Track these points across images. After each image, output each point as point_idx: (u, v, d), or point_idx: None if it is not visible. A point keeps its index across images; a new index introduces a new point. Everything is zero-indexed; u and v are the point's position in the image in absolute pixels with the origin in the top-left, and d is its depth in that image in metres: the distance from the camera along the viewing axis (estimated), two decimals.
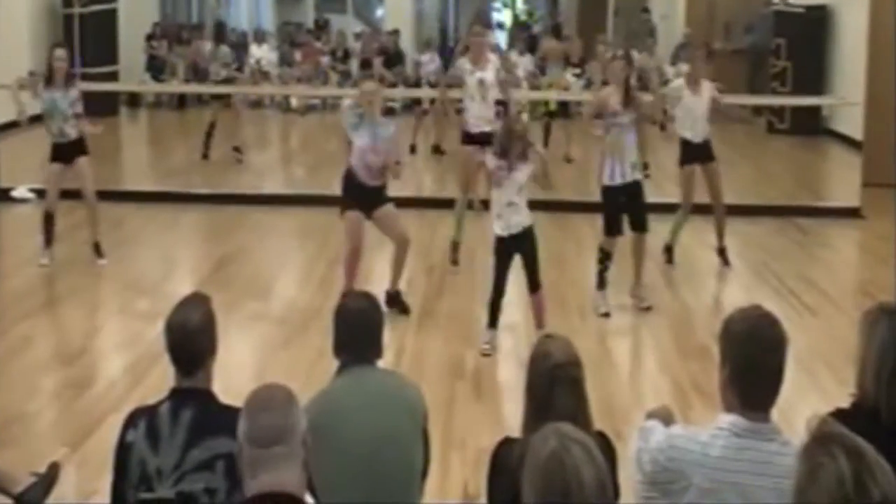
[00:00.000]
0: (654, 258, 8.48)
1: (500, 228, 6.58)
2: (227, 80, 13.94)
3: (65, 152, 8.36)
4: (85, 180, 8.47)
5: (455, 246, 8.59)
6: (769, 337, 2.80)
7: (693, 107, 8.37)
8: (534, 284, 6.66)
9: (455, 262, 8.55)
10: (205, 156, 13.09)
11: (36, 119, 8.63)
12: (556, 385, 3.03)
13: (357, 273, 7.27)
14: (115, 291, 7.97)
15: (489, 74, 8.27)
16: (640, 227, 7.50)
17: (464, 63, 8.43)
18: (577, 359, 3.12)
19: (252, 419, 2.57)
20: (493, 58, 8.55)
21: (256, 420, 2.56)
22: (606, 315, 7.34)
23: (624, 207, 7.42)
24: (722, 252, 8.63)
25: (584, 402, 3.10)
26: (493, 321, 6.72)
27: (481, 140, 8.01)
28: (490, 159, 6.61)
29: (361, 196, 7.13)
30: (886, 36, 11.41)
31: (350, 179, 7.19)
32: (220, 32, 15.46)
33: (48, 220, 8.46)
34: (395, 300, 7.32)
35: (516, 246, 6.60)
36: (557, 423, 2.46)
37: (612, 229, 7.45)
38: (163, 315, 3.29)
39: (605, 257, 7.47)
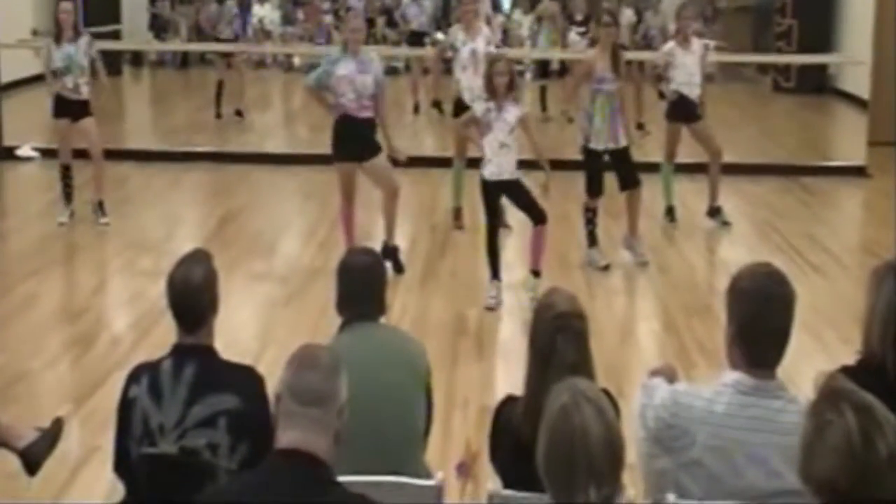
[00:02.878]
0: (655, 218, 8.47)
1: (488, 173, 6.60)
2: (232, 39, 13.90)
3: (71, 109, 8.30)
4: (92, 139, 8.41)
5: (457, 212, 8.54)
6: (777, 295, 2.78)
7: (686, 62, 8.36)
8: (537, 217, 6.66)
9: (460, 226, 8.48)
10: (218, 115, 13.10)
11: (39, 78, 8.58)
12: (558, 334, 3.00)
13: (355, 227, 7.25)
14: (119, 249, 7.97)
15: (480, 45, 8.21)
16: (630, 184, 7.49)
17: (457, 32, 8.40)
18: (582, 312, 3.09)
19: (296, 373, 2.56)
20: (484, 28, 8.53)
21: (301, 376, 2.55)
22: (606, 268, 7.38)
23: (607, 168, 7.47)
24: (714, 212, 8.55)
25: (588, 355, 3.07)
26: (494, 271, 6.74)
27: None
28: (478, 105, 6.71)
29: (352, 140, 7.03)
30: None
31: (339, 124, 7.09)
32: None
33: (66, 173, 8.46)
34: (391, 254, 7.20)
35: (503, 190, 6.65)
36: (574, 378, 2.45)
37: (592, 189, 7.46)
38: (166, 273, 3.27)
39: (590, 214, 7.51)
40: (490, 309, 6.62)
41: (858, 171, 10.53)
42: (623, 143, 7.39)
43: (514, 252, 7.61)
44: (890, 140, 11.16)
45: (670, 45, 8.65)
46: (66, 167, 8.47)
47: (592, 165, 7.46)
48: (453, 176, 8.62)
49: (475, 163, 7.16)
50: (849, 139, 11.76)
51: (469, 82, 8.14)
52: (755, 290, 2.78)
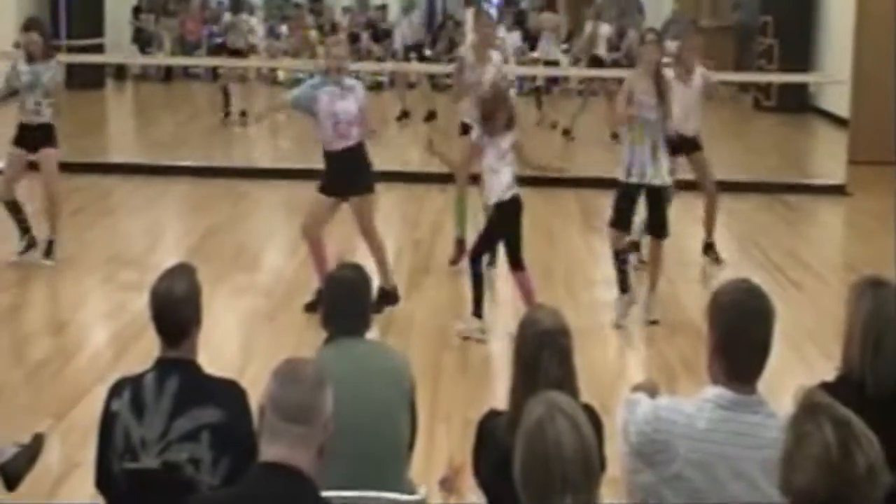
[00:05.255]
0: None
1: (484, 197, 6.59)
2: (241, 52, 14.02)
3: (30, 138, 7.77)
4: (48, 175, 7.81)
5: (460, 244, 7.92)
6: (756, 309, 2.82)
7: (684, 98, 7.78)
8: (514, 262, 6.45)
9: (456, 261, 7.87)
10: (227, 114, 13.55)
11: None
12: (542, 351, 3.03)
13: (325, 260, 6.74)
14: (101, 262, 7.92)
15: (488, 74, 7.79)
16: (657, 231, 6.92)
17: (468, 55, 8.01)
18: (566, 328, 3.11)
19: (280, 388, 2.56)
20: (495, 56, 8.12)
21: (285, 390, 2.55)
22: (619, 327, 6.74)
23: (638, 207, 6.90)
24: (708, 248, 8.25)
25: (572, 371, 3.10)
26: (478, 307, 6.47)
27: None
28: (474, 131, 6.60)
29: (336, 177, 6.74)
30: (873, 13, 11.43)
31: (324, 157, 6.83)
32: (238, 2, 15.42)
33: (13, 208, 7.82)
34: (388, 295, 6.85)
35: (497, 216, 6.49)
36: (550, 392, 2.48)
37: (617, 221, 6.79)
38: (148, 286, 3.28)
39: (619, 254, 6.81)
40: (475, 341, 6.41)
41: (838, 190, 10.62)
42: (664, 180, 6.76)
43: (500, 266, 7.60)
44: (870, 158, 11.25)
45: (670, 73, 7.81)
46: (10, 204, 7.81)
47: (623, 198, 6.77)
48: (456, 200, 8.17)
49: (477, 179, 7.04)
50: (829, 157, 11.85)
51: (470, 107, 7.66)
52: (735, 305, 2.81)
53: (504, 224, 6.48)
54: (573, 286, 7.55)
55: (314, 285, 6.72)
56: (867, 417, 2.29)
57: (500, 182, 6.42)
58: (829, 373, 3.18)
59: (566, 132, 12.92)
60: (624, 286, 6.81)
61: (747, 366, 2.79)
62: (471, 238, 7.55)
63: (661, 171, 6.75)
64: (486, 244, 6.63)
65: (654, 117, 6.68)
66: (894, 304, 3.06)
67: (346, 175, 6.74)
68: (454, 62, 8.48)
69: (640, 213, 7.14)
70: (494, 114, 6.38)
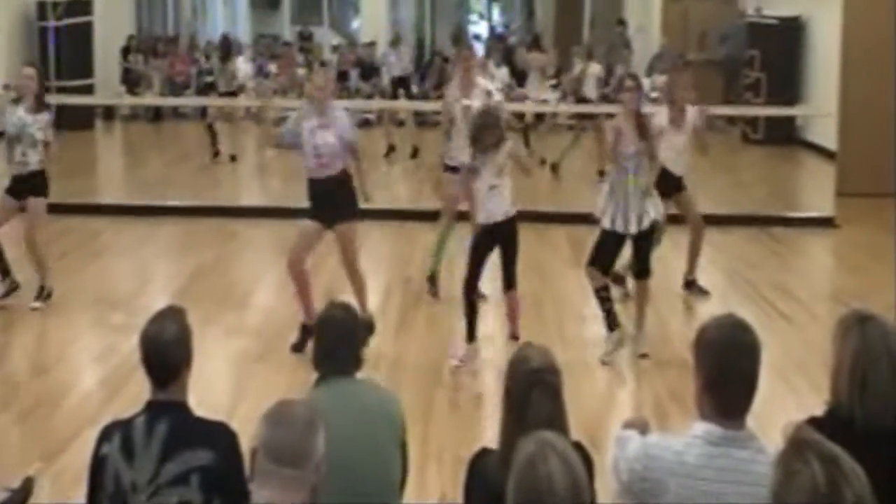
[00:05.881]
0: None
1: (482, 218, 6.48)
2: (233, 93, 14.06)
3: (21, 189, 7.68)
4: (31, 222, 7.71)
5: (433, 278, 8.07)
6: (742, 344, 2.82)
7: (675, 142, 7.84)
8: (510, 281, 6.56)
9: (435, 293, 8.03)
10: (216, 154, 13.70)
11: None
12: (533, 389, 3.03)
13: (310, 295, 6.80)
14: (90, 304, 7.91)
15: (476, 102, 7.74)
16: (639, 274, 6.91)
17: (452, 92, 8.01)
18: (556, 366, 3.12)
19: (272, 430, 2.56)
20: (481, 83, 8.13)
21: (276, 433, 2.56)
22: (606, 364, 6.73)
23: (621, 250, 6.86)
24: (689, 285, 8.28)
25: (562, 409, 3.11)
26: (471, 331, 6.57)
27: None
28: (468, 153, 6.55)
29: (320, 203, 6.74)
30: (859, 47, 11.53)
31: (308, 184, 6.84)
32: (227, 48, 15.51)
33: None
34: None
35: (497, 236, 6.49)
36: (541, 431, 2.49)
37: (595, 260, 6.76)
38: (138, 328, 3.28)
39: (600, 293, 6.79)
40: (456, 367, 6.46)
41: (827, 222, 10.66)
42: (646, 224, 6.71)
43: (489, 301, 7.60)
44: (857, 191, 11.31)
45: (660, 119, 7.80)
46: None
47: (607, 245, 6.74)
48: (439, 236, 8.16)
49: (464, 216, 7.05)
50: (817, 190, 11.91)
51: (463, 140, 7.43)
52: (721, 340, 2.83)
53: (509, 238, 6.52)
54: (563, 322, 7.56)
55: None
56: (856, 452, 2.30)
57: (503, 197, 6.44)
58: (819, 405, 3.18)
59: (554, 167, 12.97)
60: (611, 324, 6.82)
61: (735, 401, 2.80)
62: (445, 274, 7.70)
63: (645, 217, 6.70)
64: (479, 269, 6.61)
65: (635, 163, 6.68)
66: (881, 338, 3.06)
67: (331, 203, 6.74)
68: (442, 98, 8.51)
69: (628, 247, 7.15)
70: (483, 132, 6.38)
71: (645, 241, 6.80)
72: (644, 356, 6.81)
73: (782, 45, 14.84)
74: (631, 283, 7.29)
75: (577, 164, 13.18)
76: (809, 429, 2.54)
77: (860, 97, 11.58)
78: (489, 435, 5.00)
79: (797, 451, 2.25)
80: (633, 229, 6.69)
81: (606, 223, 6.72)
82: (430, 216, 9.33)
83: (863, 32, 11.60)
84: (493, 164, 6.41)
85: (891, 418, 3.01)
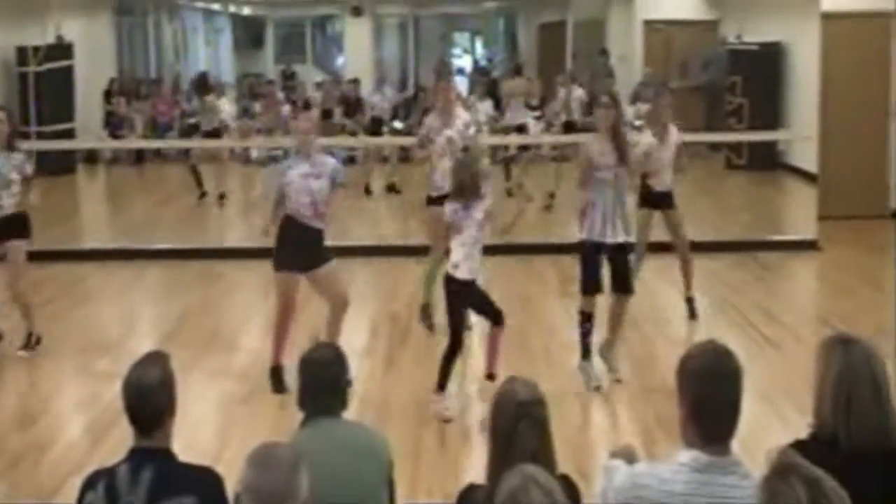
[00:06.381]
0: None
1: (466, 272, 6.30)
2: (216, 132, 14.08)
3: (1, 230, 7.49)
4: (13, 268, 7.57)
5: (426, 308, 8.04)
6: (724, 370, 2.85)
7: (660, 156, 8.09)
8: (497, 317, 6.43)
9: (430, 325, 8.01)
10: (203, 194, 13.62)
11: None
12: (520, 422, 3.04)
13: (287, 339, 6.79)
14: (75, 351, 7.85)
15: (456, 132, 7.80)
16: (621, 287, 6.85)
17: (432, 122, 7.98)
18: (542, 399, 3.13)
19: (255, 474, 2.55)
20: (462, 113, 8.14)
21: (259, 476, 2.54)
22: (598, 388, 6.75)
23: (604, 265, 6.85)
24: (690, 301, 8.38)
25: (549, 442, 3.11)
26: (442, 383, 6.42)
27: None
28: (447, 206, 6.40)
29: (298, 249, 6.67)
30: (837, 71, 11.63)
31: (286, 229, 6.73)
32: (204, 84, 15.52)
33: None
34: None
35: (467, 293, 6.38)
36: (525, 464, 2.49)
37: (588, 287, 6.78)
38: (123, 374, 3.27)
39: (584, 320, 6.83)
40: (447, 421, 6.33)
41: (810, 245, 10.72)
42: (622, 237, 6.77)
43: (478, 338, 7.59)
44: (839, 213, 11.38)
45: (648, 137, 8.15)
46: None
47: (589, 259, 6.77)
48: (429, 266, 8.05)
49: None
50: (800, 213, 11.97)
51: (446, 169, 7.38)
52: (703, 368, 2.85)
53: (478, 296, 6.44)
54: (550, 351, 7.55)
55: (289, 364, 6.72)
56: (840, 474, 2.34)
57: (477, 258, 6.34)
58: (805, 428, 3.20)
59: (552, 195, 12.96)
60: (585, 353, 6.87)
61: (719, 428, 2.82)
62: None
63: (621, 230, 6.76)
64: (461, 328, 6.52)
65: (613, 177, 6.71)
66: (864, 361, 3.09)
67: (310, 249, 6.71)
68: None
69: None
70: (463, 181, 6.30)
71: (622, 256, 6.82)
72: (618, 381, 6.86)
73: (763, 70, 14.96)
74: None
75: (565, 194, 13.20)
76: (793, 452, 2.55)
77: (840, 120, 11.66)
78: (477, 471, 4.98)
79: (781, 475, 2.29)
80: (610, 238, 6.70)
81: (585, 233, 6.76)
82: (415, 251, 9.35)
83: (841, 57, 11.71)
84: (474, 221, 6.28)
85: (874, 440, 3.04)
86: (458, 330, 6.39)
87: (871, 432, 3.03)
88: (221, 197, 13.70)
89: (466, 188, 6.29)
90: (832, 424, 3.06)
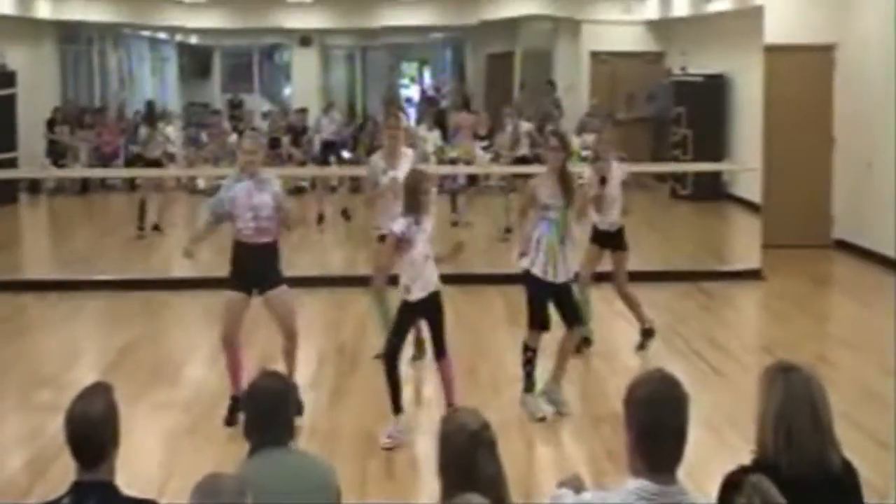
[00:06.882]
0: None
1: (419, 289, 6.35)
2: (158, 162, 13.94)
3: None
4: None
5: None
6: (669, 399, 2.87)
7: (605, 193, 8.00)
8: (440, 350, 6.50)
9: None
10: (140, 228, 13.39)
11: None
12: (477, 451, 3.04)
13: (241, 367, 6.67)
14: (15, 384, 7.72)
15: (401, 173, 7.55)
16: (570, 322, 6.92)
17: (377, 161, 7.94)
18: (488, 423, 3.14)
19: None
20: (409, 153, 8.07)
21: None
22: (542, 419, 6.80)
23: (551, 301, 6.89)
24: (647, 333, 8.35)
25: (501, 464, 3.13)
26: (396, 404, 6.44)
27: None
28: (397, 223, 6.41)
29: (249, 270, 6.62)
30: (781, 102, 11.85)
31: (235, 251, 6.68)
32: (152, 112, 15.36)
33: None
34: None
35: (426, 308, 6.45)
36: (467, 494, 2.48)
37: (535, 322, 6.84)
38: (65, 406, 3.22)
39: (530, 354, 6.90)
40: (387, 449, 6.33)
41: (754, 274, 10.86)
42: (563, 279, 6.84)
43: (425, 367, 7.58)
44: (782, 242, 11.55)
45: (590, 174, 8.15)
46: None
47: (537, 295, 6.83)
48: (376, 302, 8.08)
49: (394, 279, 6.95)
50: (744, 243, 12.12)
51: (390, 209, 7.33)
52: (649, 396, 2.87)
53: (436, 311, 6.46)
54: (499, 383, 7.55)
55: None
56: (785, 498, 2.41)
57: (433, 270, 6.39)
58: (749, 456, 3.25)
59: (508, 230, 12.97)
60: (528, 386, 6.93)
61: (666, 456, 2.84)
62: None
63: (563, 272, 6.83)
64: (402, 338, 6.57)
65: (559, 217, 6.80)
66: (804, 389, 3.16)
67: (261, 270, 6.66)
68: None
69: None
70: (418, 194, 6.34)
71: (565, 292, 6.90)
72: (563, 415, 6.90)
73: (707, 102, 15.15)
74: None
75: (511, 225, 13.26)
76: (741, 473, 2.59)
77: (783, 151, 11.87)
78: (425, 500, 4.97)
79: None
80: (551, 278, 6.78)
81: (528, 264, 6.83)
82: (362, 281, 9.32)
83: (784, 88, 11.93)
84: (425, 234, 6.38)
85: (814, 469, 3.11)
86: (396, 338, 6.43)
87: (811, 461, 3.11)
88: (155, 228, 13.50)
89: (419, 203, 6.34)
90: (773, 451, 3.12)
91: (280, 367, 6.52)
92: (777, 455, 3.10)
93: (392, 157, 7.86)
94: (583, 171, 8.26)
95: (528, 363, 6.91)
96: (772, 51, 11.47)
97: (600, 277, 8.57)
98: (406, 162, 7.83)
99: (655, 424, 2.83)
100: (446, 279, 6.68)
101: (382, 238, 7.76)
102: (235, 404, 6.58)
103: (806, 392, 3.15)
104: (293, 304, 6.92)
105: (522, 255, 6.92)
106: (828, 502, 3.11)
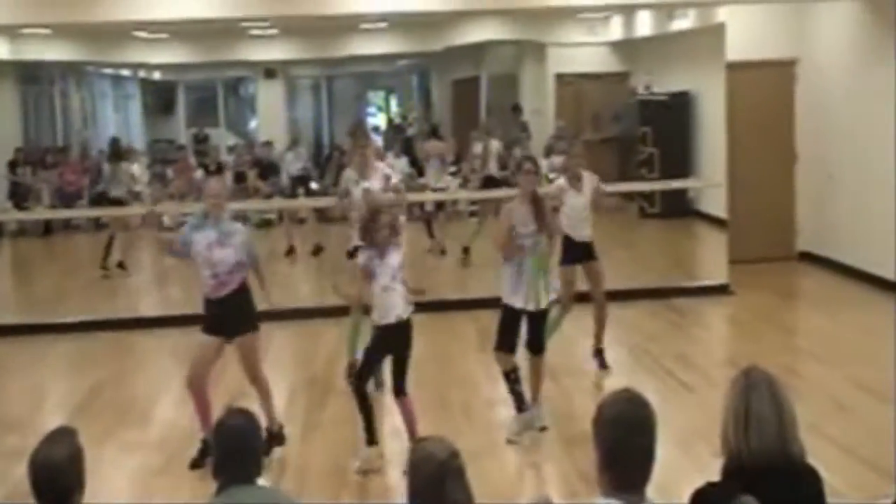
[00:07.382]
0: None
1: (377, 317, 6.37)
2: (122, 201, 13.83)
3: None
4: None
5: (352, 367, 7.87)
6: (637, 419, 2.91)
7: (575, 204, 8.17)
8: (399, 388, 6.41)
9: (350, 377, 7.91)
10: (104, 267, 13.20)
11: None
12: (446, 481, 3.03)
13: (208, 409, 6.52)
14: None
15: (376, 183, 7.80)
16: (533, 349, 7.01)
17: (350, 174, 8.03)
18: (456, 450, 3.12)
19: None
20: (381, 167, 8.14)
21: None
22: (544, 429, 6.90)
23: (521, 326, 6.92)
24: (599, 353, 8.45)
25: (472, 494, 3.11)
26: (371, 434, 6.44)
27: None
28: (360, 255, 6.44)
29: (217, 319, 6.54)
30: (744, 118, 11.97)
31: (205, 302, 6.64)
32: (116, 150, 15.25)
33: None
34: (275, 437, 6.77)
35: (390, 339, 6.40)
36: None
37: (499, 343, 6.86)
38: (30, 451, 3.17)
39: (511, 376, 6.88)
40: (361, 473, 6.32)
41: (722, 289, 10.92)
42: (542, 305, 6.86)
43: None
44: (748, 257, 11.63)
45: (562, 182, 8.38)
46: None
47: (508, 320, 6.85)
48: (351, 327, 8.12)
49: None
50: (711, 258, 12.18)
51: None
52: (617, 416, 2.91)
53: (401, 343, 6.41)
54: (470, 408, 7.53)
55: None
56: (752, 491, 2.59)
57: (399, 298, 6.35)
58: (718, 472, 3.28)
59: (465, 250, 13.03)
60: (520, 406, 6.91)
61: (634, 475, 2.88)
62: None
63: (540, 296, 6.83)
64: (373, 365, 6.57)
65: (532, 243, 6.81)
66: (763, 380, 3.29)
67: (231, 318, 6.57)
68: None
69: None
70: (372, 231, 6.32)
71: (540, 319, 6.93)
72: (544, 429, 6.92)
73: (672, 120, 15.23)
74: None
75: (483, 249, 13.26)
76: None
77: (747, 166, 11.96)
78: None
79: None
80: (530, 307, 6.81)
81: (505, 296, 6.84)
82: (333, 312, 9.28)
83: (747, 104, 12.04)
84: (388, 267, 6.34)
85: (777, 455, 3.19)
86: (366, 367, 6.47)
87: (773, 449, 3.18)
88: (120, 266, 13.35)
89: (380, 236, 6.32)
90: (735, 444, 3.21)
91: (251, 402, 6.46)
92: (738, 443, 3.20)
93: (364, 169, 7.89)
94: (552, 178, 8.34)
95: (514, 384, 6.87)
96: (734, 67, 11.56)
97: (582, 298, 8.56)
98: (378, 174, 7.89)
99: (623, 444, 2.86)
100: (415, 306, 6.65)
101: (355, 250, 7.74)
102: (206, 447, 6.45)
103: (765, 382, 3.27)
104: (258, 351, 6.81)
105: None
106: (791, 490, 3.17)
